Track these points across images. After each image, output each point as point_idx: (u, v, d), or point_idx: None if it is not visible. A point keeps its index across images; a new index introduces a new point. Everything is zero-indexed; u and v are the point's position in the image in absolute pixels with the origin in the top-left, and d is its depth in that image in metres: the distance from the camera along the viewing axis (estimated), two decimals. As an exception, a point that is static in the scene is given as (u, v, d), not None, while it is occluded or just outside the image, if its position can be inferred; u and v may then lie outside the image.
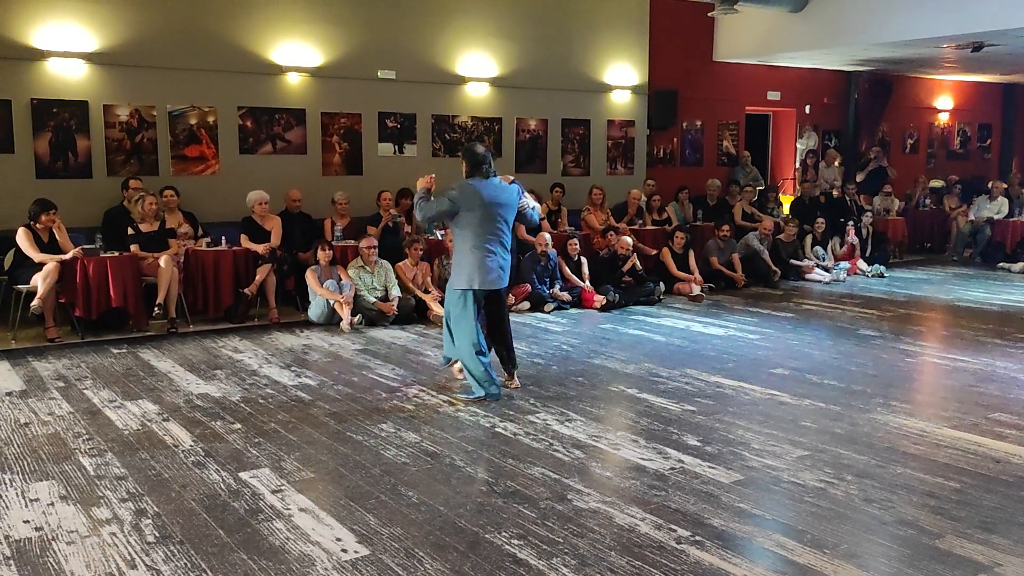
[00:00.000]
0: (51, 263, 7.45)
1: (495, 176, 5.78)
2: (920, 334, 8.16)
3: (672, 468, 4.50)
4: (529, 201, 6.06)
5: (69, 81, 8.58)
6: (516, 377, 6.10)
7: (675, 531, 3.73)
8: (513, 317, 8.75)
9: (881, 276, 11.87)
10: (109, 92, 8.77)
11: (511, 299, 9.10)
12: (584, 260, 9.66)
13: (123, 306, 7.78)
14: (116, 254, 7.84)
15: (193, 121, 9.21)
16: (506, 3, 11.03)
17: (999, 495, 4.14)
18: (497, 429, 5.19)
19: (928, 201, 14.93)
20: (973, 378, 6.40)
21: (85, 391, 6.02)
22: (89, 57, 8.62)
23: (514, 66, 11.17)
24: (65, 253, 7.63)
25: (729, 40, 13.05)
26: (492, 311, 5.94)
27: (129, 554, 3.53)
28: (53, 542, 3.64)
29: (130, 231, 8.10)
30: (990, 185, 14.56)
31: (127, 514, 3.92)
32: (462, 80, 10.83)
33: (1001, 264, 12.93)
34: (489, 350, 5.91)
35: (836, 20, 11.63)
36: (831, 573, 3.36)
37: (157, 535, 3.70)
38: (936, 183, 15.50)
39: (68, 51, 8.50)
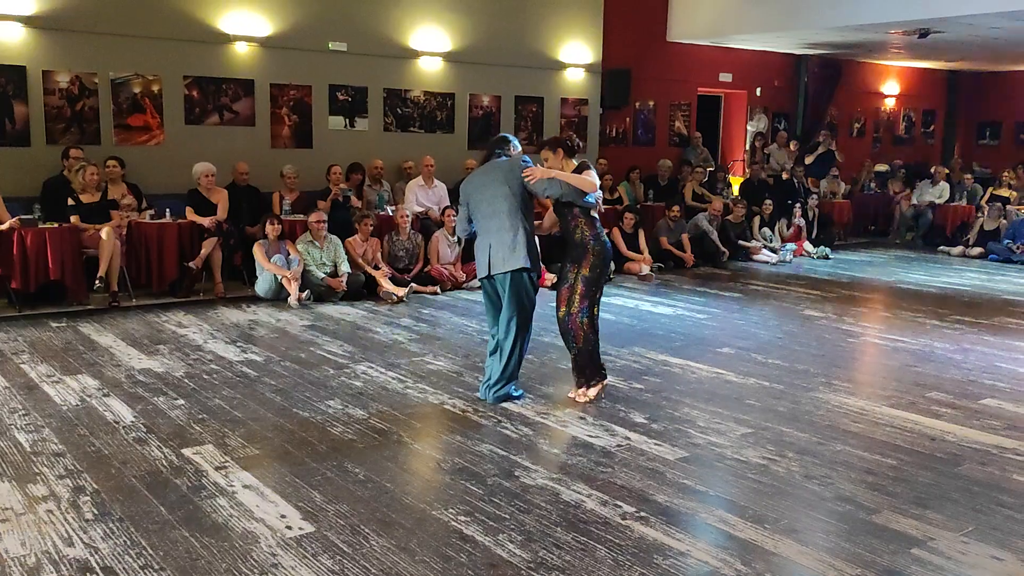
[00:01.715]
0: (-14, 233, 7.23)
1: (503, 157, 5.30)
2: (862, 315, 8.33)
3: (619, 445, 4.55)
4: (536, 169, 5.17)
5: (6, 45, 8.25)
6: (581, 388, 5.31)
7: (620, 507, 3.77)
8: (463, 295, 8.77)
9: (826, 258, 12.09)
10: (48, 57, 8.47)
11: (462, 276, 9.08)
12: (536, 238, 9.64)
13: (62, 279, 7.58)
14: (55, 225, 7.62)
15: (137, 90, 8.95)
16: (460, -23, 10.92)
17: (934, 472, 4.26)
18: (445, 406, 5.18)
19: (873, 185, 15.21)
20: (912, 358, 6.56)
21: (22, 365, 5.86)
22: (28, 20, 8.31)
23: (468, 41, 11.06)
24: (1, 223, 7.40)
25: (683, 21, 13.08)
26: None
27: (66, 532, 3.45)
28: (-14, 520, 3.55)
29: (70, 202, 7.88)
30: (933, 170, 14.88)
31: (65, 491, 3.84)
32: (415, 54, 10.69)
33: (941, 248, 13.25)
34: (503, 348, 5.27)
35: (788, 3, 11.73)
36: (772, 548, 3.43)
37: (96, 512, 3.63)
38: (881, 167, 15.79)
39: (5, 14, 8.17)
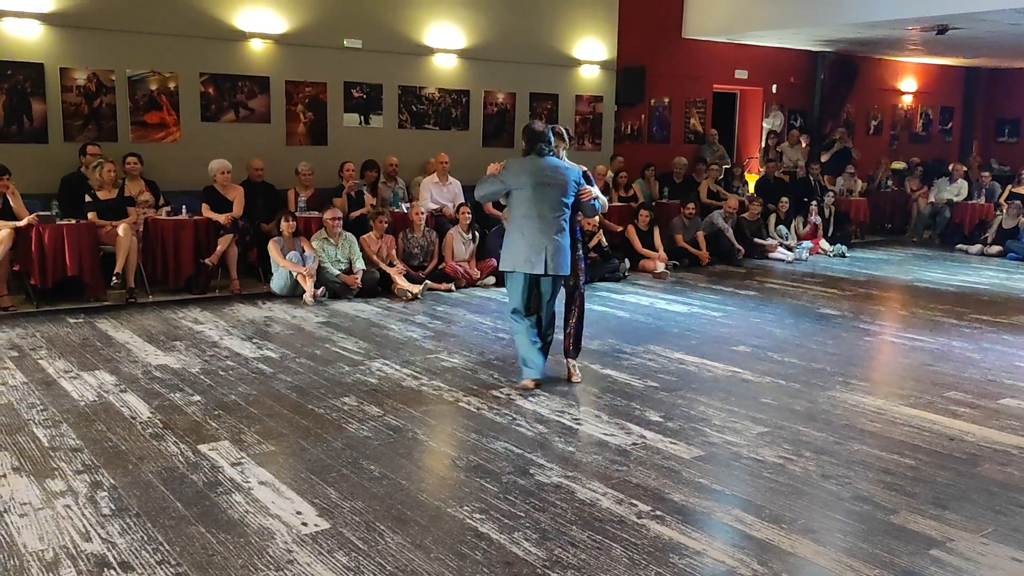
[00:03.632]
0: (5, 230, 7.28)
1: (552, 156, 5.38)
2: (879, 313, 8.28)
3: (634, 443, 4.53)
4: (594, 190, 5.58)
5: (24, 42, 8.31)
6: (575, 368, 5.73)
7: (636, 506, 3.76)
8: (477, 292, 8.77)
9: (843, 256, 12.01)
10: (66, 55, 8.52)
11: (476, 273, 9.08)
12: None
13: (79, 275, 7.63)
14: (73, 221, 7.67)
15: (153, 87, 8.99)
16: (475, -26, 10.90)
17: (952, 472, 4.23)
18: (461, 403, 5.18)
19: (890, 182, 15.10)
20: (929, 357, 6.51)
21: (40, 361, 5.90)
22: (45, 18, 8.36)
23: (482, 38, 11.05)
24: (19, 220, 7.45)
25: (698, 17, 13.03)
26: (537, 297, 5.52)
27: (84, 527, 3.47)
28: (5, 514, 3.57)
29: (88, 198, 7.93)
30: (950, 168, 14.76)
31: (82, 486, 3.86)
32: (430, 51, 10.69)
33: (959, 246, 13.15)
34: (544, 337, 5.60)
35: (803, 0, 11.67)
36: (789, 548, 3.40)
37: (113, 508, 3.65)
38: (898, 165, 15.67)
39: (23, 11, 8.23)
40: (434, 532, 3.49)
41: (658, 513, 3.69)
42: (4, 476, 3.96)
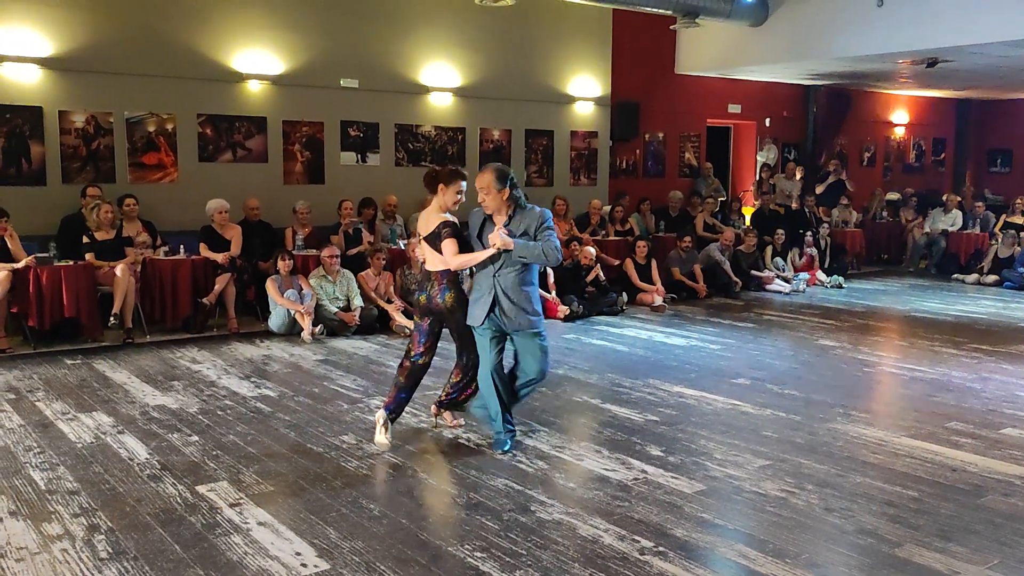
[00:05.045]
0: (2, 272, 7.28)
1: None
2: (878, 344, 8.27)
3: (635, 478, 4.50)
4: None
5: (23, 86, 8.39)
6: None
7: (638, 542, 3.72)
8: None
9: (839, 287, 12.04)
10: (64, 98, 8.59)
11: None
12: (549, 270, 9.65)
13: (77, 316, 7.62)
14: (70, 263, 7.68)
15: (151, 128, 9.06)
16: (470, 13, 11.02)
17: (956, 503, 4.20)
18: (460, 440, 5.15)
19: (885, 213, 15.19)
20: (929, 388, 6.50)
21: (37, 403, 5.87)
22: (44, 62, 8.44)
23: (478, 76, 11.16)
24: (17, 262, 7.46)
25: (691, 53, 13.18)
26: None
27: (81, 571, 3.43)
28: (2, 559, 3.53)
29: (85, 239, 7.95)
30: (944, 198, 14.85)
31: (79, 530, 3.82)
32: (425, 90, 10.80)
33: (955, 275, 13.18)
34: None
35: (795, 35, 11.80)
36: (793, 583, 3.37)
37: (110, 551, 3.61)
38: (892, 196, 15.78)
39: (22, 56, 8.31)
40: (435, 572, 3.45)
41: (661, 549, 3.66)
42: (1, 520, 3.92)
